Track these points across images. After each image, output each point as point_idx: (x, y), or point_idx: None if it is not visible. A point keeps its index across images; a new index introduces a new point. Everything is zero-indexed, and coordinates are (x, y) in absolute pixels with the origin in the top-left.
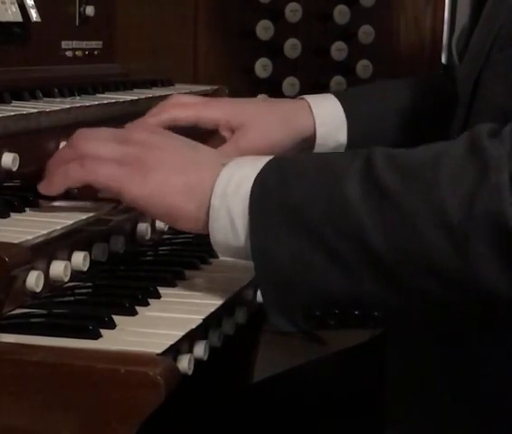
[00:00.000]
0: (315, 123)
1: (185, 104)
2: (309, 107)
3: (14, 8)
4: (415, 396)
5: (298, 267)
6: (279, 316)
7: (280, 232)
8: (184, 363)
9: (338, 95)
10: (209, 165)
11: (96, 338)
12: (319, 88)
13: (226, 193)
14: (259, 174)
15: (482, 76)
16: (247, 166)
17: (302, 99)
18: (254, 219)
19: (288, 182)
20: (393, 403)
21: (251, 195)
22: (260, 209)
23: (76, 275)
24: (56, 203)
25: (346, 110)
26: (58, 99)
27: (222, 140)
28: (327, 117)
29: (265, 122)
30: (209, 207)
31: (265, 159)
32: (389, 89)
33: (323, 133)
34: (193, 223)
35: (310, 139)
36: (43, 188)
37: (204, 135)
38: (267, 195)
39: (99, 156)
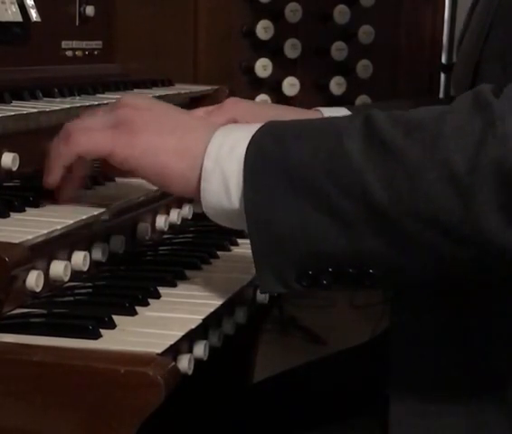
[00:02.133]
0: None
1: (200, 111)
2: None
3: (14, 8)
4: (416, 396)
5: (295, 224)
6: (269, 275)
7: (277, 190)
8: (184, 363)
9: (351, 108)
10: (201, 128)
11: (96, 338)
12: (319, 88)
13: (220, 155)
14: (254, 135)
15: (482, 57)
16: (241, 129)
17: (317, 110)
18: (249, 178)
19: (284, 141)
20: (394, 403)
21: (245, 155)
22: (255, 168)
23: (76, 275)
24: (56, 203)
25: None
26: (58, 99)
27: None
28: None
29: None
30: (201, 169)
31: (258, 124)
32: (402, 105)
33: None
34: (184, 184)
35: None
36: (45, 180)
37: None
38: (263, 154)
39: (88, 128)
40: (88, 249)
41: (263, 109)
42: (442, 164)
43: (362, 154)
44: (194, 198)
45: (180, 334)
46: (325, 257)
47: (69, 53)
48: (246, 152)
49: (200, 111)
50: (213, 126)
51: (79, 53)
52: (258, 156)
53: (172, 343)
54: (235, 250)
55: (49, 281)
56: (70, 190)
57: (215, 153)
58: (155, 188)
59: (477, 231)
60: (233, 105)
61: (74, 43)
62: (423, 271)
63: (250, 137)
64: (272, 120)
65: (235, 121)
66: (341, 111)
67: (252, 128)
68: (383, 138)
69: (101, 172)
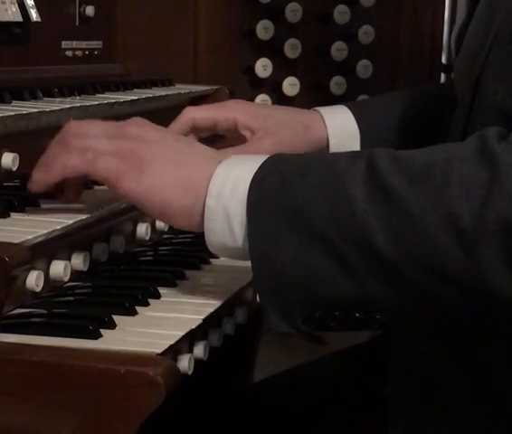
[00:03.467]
0: (328, 135)
1: (202, 107)
2: (322, 118)
3: (14, 8)
4: (417, 396)
5: (299, 269)
6: (276, 317)
7: (280, 234)
8: (185, 363)
9: (351, 106)
10: (204, 161)
11: (96, 338)
12: (319, 88)
13: (222, 194)
14: (256, 173)
15: (483, 75)
16: (244, 165)
17: (315, 110)
18: (253, 220)
19: (287, 182)
20: (395, 403)
21: (248, 196)
22: (258, 210)
23: (76, 275)
24: (56, 203)
25: (358, 121)
26: (58, 99)
27: (236, 142)
28: (339, 129)
29: (288, 126)
30: (204, 206)
31: (262, 158)
32: (401, 99)
33: (336, 144)
34: (187, 220)
35: (323, 151)
36: (40, 176)
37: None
38: (266, 196)
39: (97, 149)
40: (88, 249)
41: (270, 110)
42: (448, 217)
43: (365, 201)
44: (197, 232)
45: (180, 334)
46: (330, 301)
47: (69, 53)
48: (248, 193)
49: (197, 109)
50: (215, 158)
51: (79, 53)
52: (260, 199)
53: (172, 343)
54: None
55: (49, 281)
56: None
57: (217, 191)
58: None
59: (482, 285)
60: (235, 105)
61: (74, 43)
62: (428, 316)
63: (252, 175)
64: (275, 155)
65: (235, 119)
66: (340, 110)
67: (255, 164)
68: (386, 186)
69: None
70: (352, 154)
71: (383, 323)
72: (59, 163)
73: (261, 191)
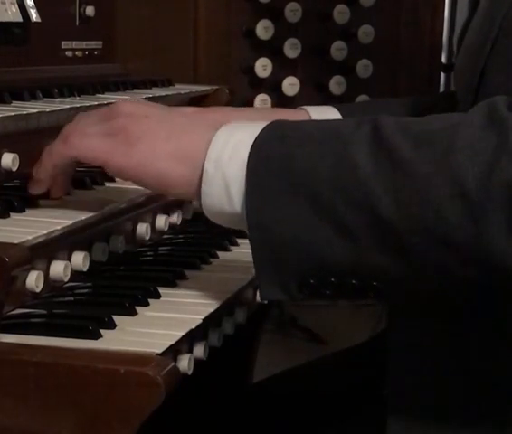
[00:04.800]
0: None
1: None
2: (309, 115)
3: (14, 8)
4: (416, 396)
5: (298, 233)
6: (271, 283)
7: (280, 198)
8: (184, 363)
9: (339, 107)
10: (201, 129)
11: (96, 338)
12: (319, 87)
13: (221, 158)
14: (257, 138)
15: (488, 66)
16: (243, 130)
17: (303, 108)
18: (252, 185)
19: (289, 146)
20: (394, 402)
21: (248, 160)
22: (259, 175)
23: (76, 275)
24: (56, 203)
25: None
26: (58, 99)
27: None
28: None
29: None
30: (202, 170)
31: (263, 124)
32: (390, 104)
33: None
34: (185, 187)
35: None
36: (33, 173)
37: None
38: (266, 160)
39: (83, 131)
40: (88, 249)
41: (246, 115)
42: (453, 180)
43: (369, 165)
44: (195, 200)
45: (180, 334)
46: (327, 267)
47: (69, 53)
48: (248, 157)
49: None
50: (214, 124)
51: (79, 53)
52: (260, 163)
53: (172, 343)
54: (235, 250)
55: (49, 281)
56: (57, 191)
57: (216, 156)
58: None
59: (486, 252)
60: (213, 114)
61: (74, 43)
62: (428, 286)
63: (252, 140)
64: (276, 120)
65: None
66: (328, 109)
67: (255, 129)
68: (391, 149)
69: (101, 172)
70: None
71: (380, 292)
72: (45, 153)
73: (262, 156)
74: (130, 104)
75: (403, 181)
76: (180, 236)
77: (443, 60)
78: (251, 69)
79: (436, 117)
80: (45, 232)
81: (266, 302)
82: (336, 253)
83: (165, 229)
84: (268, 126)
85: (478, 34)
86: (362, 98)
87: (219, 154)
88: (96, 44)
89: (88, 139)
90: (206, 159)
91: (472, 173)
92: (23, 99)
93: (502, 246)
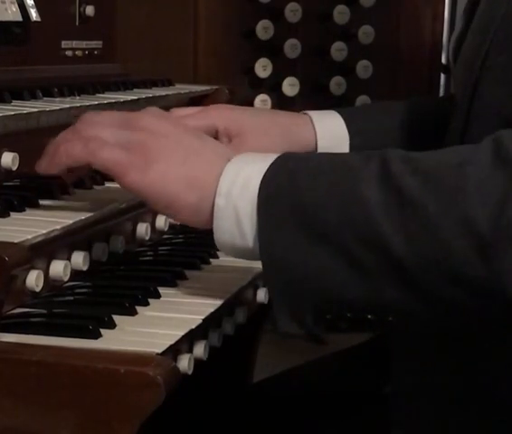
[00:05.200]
0: (316, 137)
1: (184, 117)
2: (311, 121)
3: (14, 8)
4: (417, 395)
5: (312, 271)
6: (287, 318)
7: (291, 235)
8: (184, 363)
9: (341, 111)
10: (214, 158)
11: (96, 338)
12: (319, 88)
13: (232, 193)
14: (267, 172)
15: (481, 79)
16: (254, 163)
17: (305, 113)
18: (263, 220)
19: (299, 181)
20: (395, 402)
21: (259, 195)
22: (269, 210)
23: (76, 275)
24: (56, 203)
25: (348, 126)
26: (58, 99)
27: None
28: (328, 132)
29: (266, 133)
30: (213, 205)
31: (273, 156)
32: (391, 107)
33: (324, 148)
34: (194, 216)
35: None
36: (43, 166)
37: None
38: (277, 195)
39: (102, 139)
40: (88, 249)
41: (248, 117)
42: (464, 221)
43: (379, 203)
44: (205, 228)
45: (180, 334)
46: (343, 304)
47: (69, 53)
48: (259, 192)
49: (183, 111)
50: (226, 155)
51: (79, 53)
52: (271, 198)
53: (172, 343)
54: None
55: (49, 281)
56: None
57: (227, 189)
58: None
59: (499, 290)
60: (216, 111)
61: (74, 43)
62: (441, 319)
63: (262, 174)
64: (286, 153)
65: (215, 128)
66: (330, 114)
67: (264, 163)
68: (400, 187)
69: (101, 172)
70: (364, 154)
71: (394, 325)
72: (62, 151)
73: (272, 190)
74: (152, 119)
75: (413, 220)
76: (180, 236)
77: (443, 60)
78: (251, 69)
79: (444, 152)
80: (45, 232)
81: (266, 302)
82: (351, 290)
83: (166, 229)
84: (277, 159)
85: (472, 48)
86: (362, 98)
87: (229, 187)
88: (96, 44)
89: (108, 150)
90: (217, 194)
91: (482, 213)
92: (23, 99)
93: None
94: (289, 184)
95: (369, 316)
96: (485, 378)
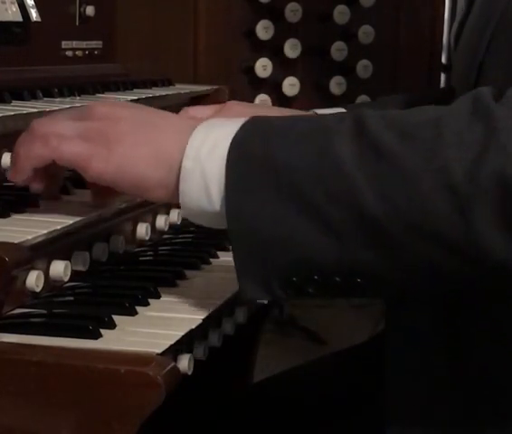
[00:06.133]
0: None
1: (201, 108)
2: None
3: (14, 8)
4: (415, 396)
5: (280, 231)
6: (252, 283)
7: (261, 194)
8: (185, 363)
9: (349, 108)
10: (178, 129)
11: (96, 338)
12: (319, 88)
13: (200, 155)
14: (237, 133)
15: (486, 60)
16: (222, 127)
17: (313, 112)
18: (232, 181)
19: (270, 141)
20: (393, 403)
21: (228, 156)
22: (238, 170)
23: (76, 275)
24: (56, 203)
25: None
26: (58, 99)
27: None
28: None
29: None
30: (179, 170)
31: (242, 120)
32: (399, 103)
33: None
34: (163, 191)
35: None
36: (11, 176)
37: None
38: (247, 155)
39: (61, 134)
40: (88, 249)
41: (260, 112)
42: (440, 172)
43: (353, 158)
44: (175, 202)
45: (180, 334)
46: (310, 265)
47: (69, 53)
48: (228, 153)
49: (197, 110)
50: (191, 125)
51: (79, 53)
52: (241, 158)
53: (172, 343)
54: None
55: (49, 281)
56: (49, 190)
57: (195, 152)
58: None
59: (475, 245)
60: (235, 106)
61: (74, 43)
62: (415, 282)
63: (232, 136)
64: (256, 116)
65: None
66: (338, 111)
67: (234, 125)
68: (376, 142)
69: None
70: (338, 114)
71: (365, 289)
72: (22, 154)
73: (243, 150)
74: (104, 105)
75: (389, 174)
76: (180, 236)
77: (443, 60)
78: (251, 69)
79: (421, 109)
80: (45, 232)
81: (266, 302)
82: (319, 250)
83: (166, 229)
84: (248, 121)
85: (475, 32)
86: (362, 98)
87: (197, 150)
88: (96, 44)
89: (68, 144)
90: (184, 156)
91: (460, 165)
92: (23, 99)
93: (492, 240)
94: (260, 144)
95: (337, 279)
96: (484, 377)
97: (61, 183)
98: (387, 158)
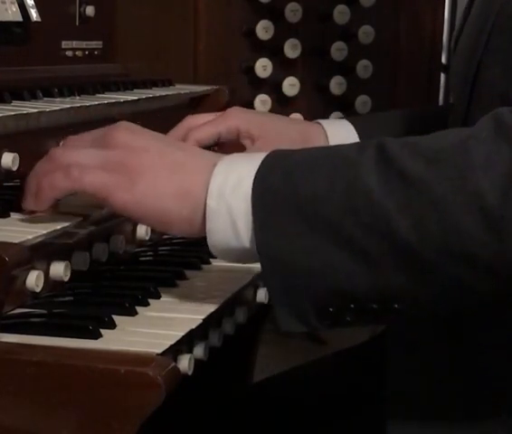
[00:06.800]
0: (329, 145)
1: (203, 118)
2: (324, 130)
3: (14, 8)
4: (415, 396)
5: (312, 263)
6: (289, 316)
7: (290, 229)
8: (185, 364)
9: (353, 120)
10: (199, 165)
11: (96, 338)
12: (319, 88)
13: (224, 193)
14: (260, 168)
15: (483, 60)
16: (243, 163)
17: (317, 122)
18: (259, 217)
19: (294, 175)
20: (393, 403)
21: (253, 193)
22: (265, 206)
23: (76, 275)
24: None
25: (360, 135)
26: (58, 99)
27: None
28: (341, 141)
29: (286, 133)
30: (205, 209)
31: (261, 155)
32: (403, 116)
33: None
34: (187, 227)
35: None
36: (30, 204)
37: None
38: (272, 190)
39: (82, 164)
40: (88, 249)
41: (268, 118)
42: (471, 195)
43: (381, 188)
44: (199, 237)
45: (180, 334)
46: (347, 295)
47: (69, 53)
48: (253, 190)
49: (197, 118)
50: (212, 160)
51: (79, 53)
52: (266, 194)
53: (172, 343)
54: None
55: (49, 281)
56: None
57: (218, 191)
58: None
59: (507, 265)
60: (235, 115)
61: (74, 43)
62: (448, 303)
63: (254, 172)
64: (276, 150)
65: (237, 131)
66: (341, 123)
67: (255, 161)
68: (402, 170)
69: None
70: (357, 144)
71: (401, 313)
72: (45, 185)
73: (267, 185)
74: (125, 133)
75: (418, 200)
76: (180, 236)
77: (443, 60)
78: (251, 69)
79: (443, 133)
80: (45, 232)
81: (266, 302)
82: (355, 279)
83: None
84: (268, 155)
85: (473, 31)
86: (362, 98)
87: (220, 188)
88: (96, 44)
89: (89, 174)
90: (208, 195)
91: (491, 186)
92: (23, 99)
93: None
94: (283, 180)
95: (374, 306)
96: (485, 376)
97: None
98: (416, 185)
